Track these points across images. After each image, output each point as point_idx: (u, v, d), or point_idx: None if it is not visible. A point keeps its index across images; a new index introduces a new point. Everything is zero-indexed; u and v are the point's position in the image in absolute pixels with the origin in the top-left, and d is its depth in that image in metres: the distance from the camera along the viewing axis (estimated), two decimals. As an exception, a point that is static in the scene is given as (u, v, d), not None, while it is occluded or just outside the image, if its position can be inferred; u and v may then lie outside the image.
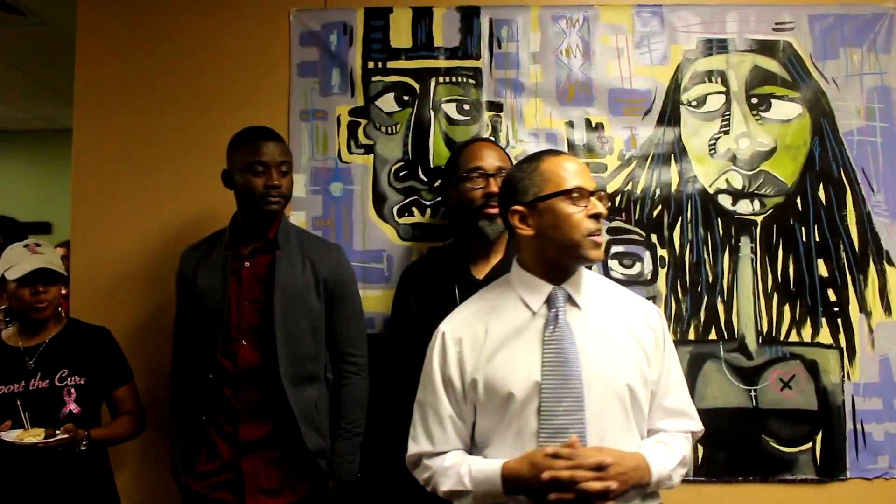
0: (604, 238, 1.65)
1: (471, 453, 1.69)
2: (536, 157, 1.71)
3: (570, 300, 1.66)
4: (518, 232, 1.67)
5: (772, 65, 2.61)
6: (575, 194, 1.61)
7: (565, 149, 2.59)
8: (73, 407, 2.24)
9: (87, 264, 2.65)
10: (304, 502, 2.21)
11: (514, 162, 2.23)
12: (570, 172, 1.64)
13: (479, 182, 2.17)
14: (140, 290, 2.64)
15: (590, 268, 1.84)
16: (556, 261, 1.66)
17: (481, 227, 2.16)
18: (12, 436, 2.08)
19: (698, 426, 1.76)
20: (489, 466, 1.59)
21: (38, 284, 2.26)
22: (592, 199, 1.62)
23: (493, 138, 2.53)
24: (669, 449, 1.66)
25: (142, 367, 2.48)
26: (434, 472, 1.67)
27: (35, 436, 2.09)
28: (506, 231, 2.19)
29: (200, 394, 2.23)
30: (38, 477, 2.18)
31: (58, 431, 2.11)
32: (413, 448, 1.72)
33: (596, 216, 1.61)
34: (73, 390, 2.26)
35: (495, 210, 2.14)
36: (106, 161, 2.68)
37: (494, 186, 2.16)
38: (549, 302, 1.65)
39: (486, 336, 1.67)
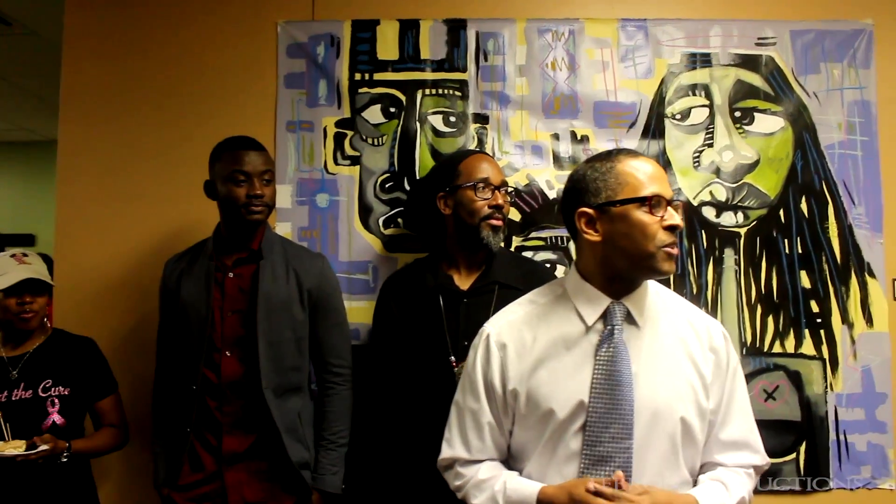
0: (678, 251, 1.51)
1: (507, 463, 1.62)
2: (611, 155, 1.55)
3: (629, 317, 1.54)
4: (584, 236, 1.54)
5: (755, 79, 2.64)
6: (653, 202, 1.47)
7: (550, 161, 2.61)
8: (56, 418, 2.22)
9: (70, 275, 2.63)
10: (288, 514, 2.20)
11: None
12: (649, 177, 1.49)
13: (486, 193, 2.17)
14: (123, 301, 2.63)
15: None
16: (623, 271, 1.52)
17: (484, 237, 2.14)
18: (-8, 448, 2.06)
19: (763, 459, 1.61)
20: (525, 489, 1.50)
21: (26, 294, 2.24)
22: (670, 208, 1.49)
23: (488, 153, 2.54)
24: (726, 489, 1.52)
25: (125, 378, 2.46)
26: (467, 482, 1.59)
27: (15, 447, 2.07)
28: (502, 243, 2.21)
29: (184, 405, 2.22)
30: (19, 489, 2.15)
31: (38, 443, 2.09)
32: (447, 452, 1.63)
33: (672, 228, 1.48)
34: (56, 401, 2.24)
35: (500, 222, 2.16)
36: (91, 171, 2.67)
37: (500, 199, 2.17)
38: (606, 317, 1.53)
39: (533, 345, 1.56)
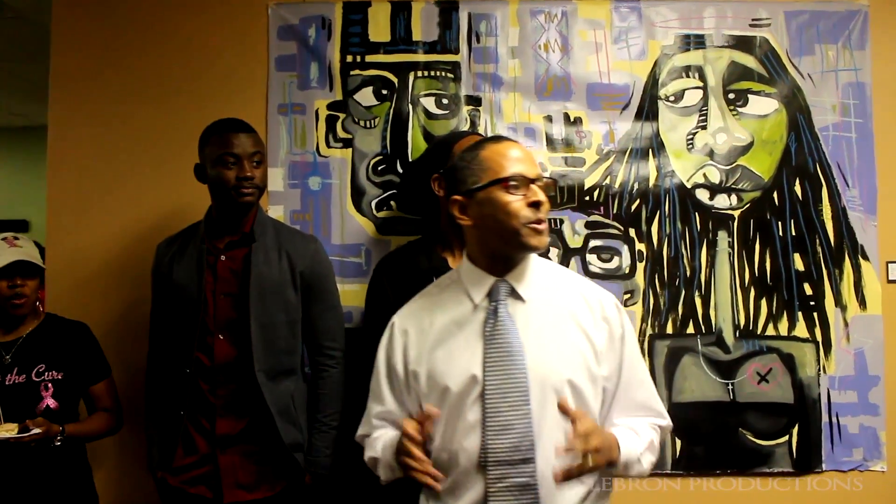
0: (546, 226, 1.57)
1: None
2: (478, 144, 1.66)
3: (514, 292, 1.62)
4: (459, 222, 1.63)
5: (749, 60, 2.63)
6: (513, 182, 1.55)
7: (543, 143, 2.61)
8: (50, 402, 2.22)
9: (62, 260, 2.62)
10: (282, 496, 2.20)
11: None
12: (510, 160, 1.58)
13: None
14: (116, 285, 2.62)
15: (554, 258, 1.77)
16: (498, 251, 1.61)
17: None
18: (-16, 431, 2.06)
19: (666, 421, 1.69)
20: (396, 435, 1.61)
21: (17, 277, 2.23)
22: (533, 186, 1.56)
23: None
24: (636, 434, 1.61)
25: (117, 362, 2.45)
26: (366, 446, 1.72)
27: (8, 431, 2.07)
28: None
29: (177, 388, 2.21)
30: (14, 473, 2.16)
31: (31, 426, 2.09)
32: (360, 430, 1.76)
33: (535, 204, 1.55)
34: (50, 385, 2.24)
35: None
36: (81, 155, 2.66)
37: None
38: (491, 295, 1.61)
39: (430, 328, 1.66)
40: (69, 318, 2.40)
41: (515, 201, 1.55)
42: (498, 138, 1.71)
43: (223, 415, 2.18)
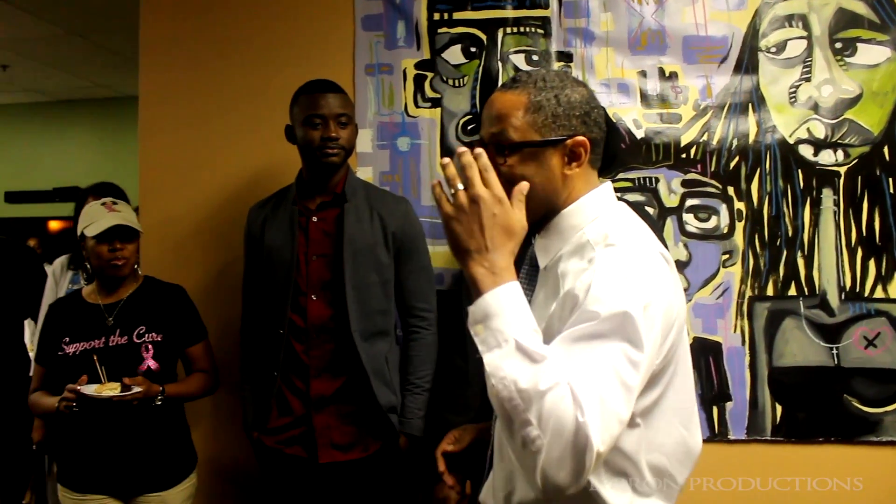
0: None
1: None
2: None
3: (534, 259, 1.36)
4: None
5: (858, 6, 2.47)
6: None
7: (637, 100, 2.52)
8: (151, 363, 2.27)
9: (155, 225, 2.67)
10: (376, 457, 2.21)
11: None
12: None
13: None
14: (209, 248, 2.67)
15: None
16: None
17: None
18: (90, 390, 2.12)
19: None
20: None
21: (116, 241, 2.28)
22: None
23: None
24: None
25: (211, 324, 2.49)
26: None
27: (111, 389, 2.13)
28: None
29: (271, 349, 2.24)
30: (119, 431, 2.22)
31: (131, 385, 2.14)
32: None
33: None
34: (150, 347, 2.28)
35: None
36: (172, 121, 2.70)
37: None
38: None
39: None
40: (163, 280, 2.45)
41: None
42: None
43: (317, 375, 2.20)
